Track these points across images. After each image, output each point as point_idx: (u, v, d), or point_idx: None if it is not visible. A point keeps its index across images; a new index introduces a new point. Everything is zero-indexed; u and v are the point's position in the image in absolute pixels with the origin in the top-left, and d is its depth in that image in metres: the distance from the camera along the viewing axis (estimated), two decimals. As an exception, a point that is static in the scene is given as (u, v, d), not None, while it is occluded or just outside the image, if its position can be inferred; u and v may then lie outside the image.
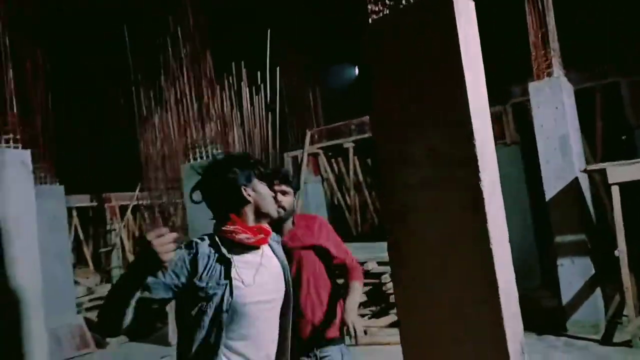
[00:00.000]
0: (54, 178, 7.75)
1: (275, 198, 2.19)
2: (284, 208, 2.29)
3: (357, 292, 2.35)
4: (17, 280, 3.58)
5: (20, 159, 3.81)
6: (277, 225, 2.30)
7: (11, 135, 3.81)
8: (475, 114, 1.80)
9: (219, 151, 6.73)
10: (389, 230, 1.96)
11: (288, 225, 2.40)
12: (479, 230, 1.75)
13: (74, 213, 11.50)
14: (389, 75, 1.93)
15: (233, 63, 11.51)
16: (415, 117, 1.88)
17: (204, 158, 6.65)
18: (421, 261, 1.88)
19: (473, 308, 1.77)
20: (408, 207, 1.91)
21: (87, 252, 11.62)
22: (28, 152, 3.89)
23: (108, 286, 10.63)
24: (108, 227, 12.17)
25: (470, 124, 1.77)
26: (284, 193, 2.33)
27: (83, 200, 11.79)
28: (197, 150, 6.81)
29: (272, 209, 1.80)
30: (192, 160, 6.78)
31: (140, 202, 11.44)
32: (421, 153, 1.87)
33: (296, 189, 2.53)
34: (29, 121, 7.20)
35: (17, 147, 3.83)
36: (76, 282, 7.25)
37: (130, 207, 11.77)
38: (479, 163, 1.77)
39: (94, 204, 12.01)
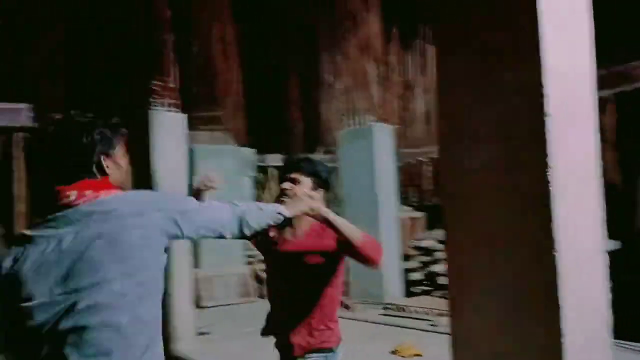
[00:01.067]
0: (240, 140, 8.49)
1: (282, 189, 2.02)
2: (290, 197, 1.95)
3: (346, 222, 1.90)
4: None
5: (175, 121, 4.26)
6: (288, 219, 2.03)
7: (172, 100, 4.25)
8: (556, 79, 1.39)
9: (373, 118, 6.61)
10: (444, 215, 1.66)
11: (303, 222, 2.07)
12: (541, 231, 1.37)
13: (269, 171, 12.63)
14: (453, 21, 1.60)
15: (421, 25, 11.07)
16: (477, 81, 1.53)
17: (362, 125, 6.60)
18: (474, 257, 1.56)
19: (527, 328, 1.42)
20: (464, 192, 1.58)
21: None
22: (184, 115, 4.33)
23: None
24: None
25: (541, 94, 1.37)
26: (293, 181, 2.03)
27: (277, 160, 12.83)
28: (358, 117, 6.79)
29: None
30: (353, 126, 6.78)
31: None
32: (483, 128, 1.53)
33: (318, 176, 2.08)
34: (222, 89, 8.00)
35: (176, 111, 4.28)
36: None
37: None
38: (549, 146, 1.37)
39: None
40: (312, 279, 2.00)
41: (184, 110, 7.60)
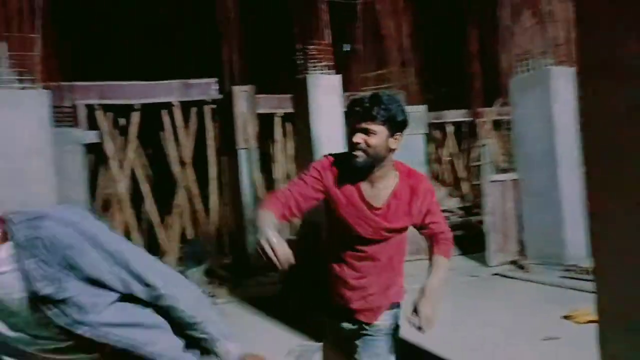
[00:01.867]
0: (413, 97, 8.40)
1: (353, 143, 1.76)
2: (365, 151, 1.74)
3: (441, 271, 1.84)
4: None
5: (330, 83, 4.37)
6: (362, 174, 1.80)
7: (328, 63, 4.35)
8: None
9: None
10: (587, 176, 1.44)
11: (383, 175, 1.83)
12: None
13: (447, 128, 12.32)
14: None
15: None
16: (624, 8, 1.27)
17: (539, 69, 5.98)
18: (622, 212, 1.34)
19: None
20: (613, 142, 1.35)
21: (459, 164, 12.36)
22: (337, 76, 4.41)
23: (454, 201, 11.15)
24: (479, 142, 12.47)
25: None
26: (366, 132, 1.74)
27: (458, 116, 12.38)
28: (535, 61, 6.15)
29: None
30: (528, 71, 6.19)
31: (502, 118, 11.29)
32: (631, 61, 1.27)
33: (394, 121, 1.76)
34: (391, 46, 7.94)
35: (329, 73, 4.37)
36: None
37: (490, 122, 11.69)
38: None
39: (469, 118, 12.43)
40: (393, 240, 1.89)
41: (349, 70, 7.72)
